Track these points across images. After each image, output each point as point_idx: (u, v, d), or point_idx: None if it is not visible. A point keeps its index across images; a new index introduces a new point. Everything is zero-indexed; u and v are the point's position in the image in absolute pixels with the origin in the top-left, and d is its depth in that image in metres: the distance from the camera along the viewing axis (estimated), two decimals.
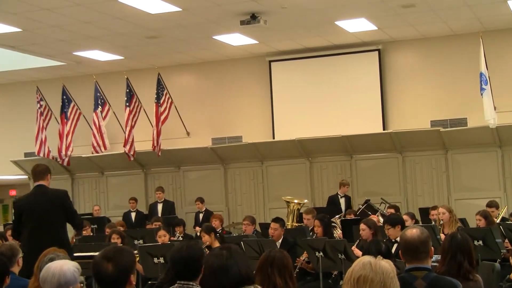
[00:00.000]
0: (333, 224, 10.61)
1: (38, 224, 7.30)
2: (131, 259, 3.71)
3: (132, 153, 14.99)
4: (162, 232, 9.50)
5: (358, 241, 8.41)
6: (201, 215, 14.21)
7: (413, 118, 14.67)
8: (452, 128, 14.09)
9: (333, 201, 13.73)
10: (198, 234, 10.93)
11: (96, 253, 7.80)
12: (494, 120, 12.61)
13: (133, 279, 3.69)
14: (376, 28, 13.73)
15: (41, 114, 15.73)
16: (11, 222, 7.65)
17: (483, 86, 12.65)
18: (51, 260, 4.64)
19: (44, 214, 7.30)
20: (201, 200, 14.35)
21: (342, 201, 13.68)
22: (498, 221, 9.94)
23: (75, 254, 7.26)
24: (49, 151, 15.61)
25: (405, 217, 10.38)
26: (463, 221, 10.36)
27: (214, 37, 13.90)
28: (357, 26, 13.53)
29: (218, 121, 16.20)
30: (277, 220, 9.17)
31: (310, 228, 9.93)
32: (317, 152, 14.86)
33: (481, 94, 12.68)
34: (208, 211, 14.18)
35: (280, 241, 8.94)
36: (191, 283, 4.31)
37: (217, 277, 3.60)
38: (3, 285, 4.89)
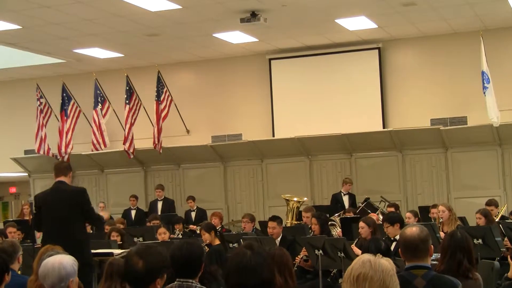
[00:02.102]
0: (332, 222, 10.62)
1: (55, 221, 7.29)
2: (162, 263, 3.71)
3: (132, 150, 15.00)
4: (162, 230, 9.51)
5: (357, 239, 8.43)
6: (193, 214, 14.19)
7: (413, 116, 14.67)
8: (452, 127, 14.09)
9: (336, 199, 13.75)
10: (197, 231, 10.93)
11: (96, 251, 7.89)
12: (498, 119, 12.61)
13: (160, 284, 3.69)
14: (376, 26, 13.73)
15: (41, 111, 15.75)
16: (17, 218, 7.75)
17: (486, 85, 12.64)
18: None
19: (60, 211, 7.27)
20: (193, 198, 14.34)
21: (346, 198, 13.70)
22: (497, 219, 9.96)
23: None
24: (49, 149, 15.62)
25: (408, 214, 10.42)
26: (462, 219, 10.37)
27: (214, 34, 13.90)
28: (357, 24, 13.52)
29: (218, 119, 16.19)
30: (274, 218, 9.17)
31: (309, 226, 9.93)
32: (317, 150, 14.86)
33: (484, 93, 12.67)
34: (200, 209, 14.19)
35: (279, 239, 8.95)
36: (190, 280, 4.31)
37: (240, 276, 3.61)
38: (4, 282, 4.89)
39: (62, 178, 7.48)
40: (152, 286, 3.67)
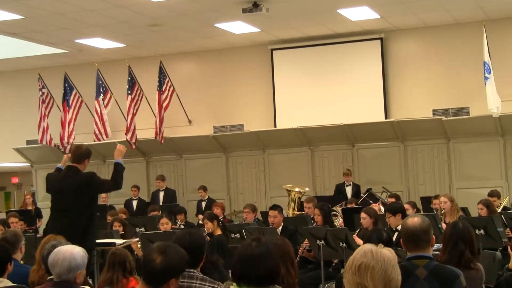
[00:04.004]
0: (334, 212, 10.63)
1: (61, 206, 7.26)
2: (181, 265, 3.72)
3: (134, 141, 15.02)
4: (164, 220, 9.52)
5: (358, 229, 8.43)
6: (203, 203, 14.25)
7: (415, 107, 14.65)
8: (454, 117, 14.07)
9: (339, 189, 13.82)
10: (201, 222, 10.95)
11: (98, 241, 7.89)
12: (498, 109, 12.61)
13: (174, 285, 3.67)
14: (378, 16, 13.69)
15: (43, 101, 15.76)
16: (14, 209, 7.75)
17: (487, 75, 12.62)
18: (54, 246, 4.66)
19: (68, 197, 7.22)
20: (204, 188, 14.40)
21: (348, 189, 13.77)
22: (499, 210, 9.96)
23: None
24: (51, 139, 15.64)
25: (406, 206, 10.38)
26: (464, 210, 10.37)
27: (216, 25, 13.87)
28: (359, 14, 13.49)
29: (220, 109, 16.19)
30: (275, 207, 9.18)
31: (311, 217, 9.94)
32: (318, 141, 14.86)
33: (485, 83, 12.65)
34: (211, 199, 14.23)
35: (280, 228, 8.95)
36: (192, 270, 4.33)
37: (244, 267, 3.60)
38: (6, 271, 4.91)
39: (75, 164, 7.43)
40: (165, 286, 3.65)
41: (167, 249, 3.69)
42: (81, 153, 7.46)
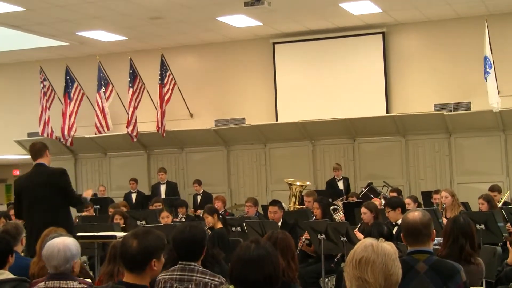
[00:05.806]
0: (335, 207, 10.62)
1: (35, 203, 7.13)
2: (157, 244, 3.71)
3: (135, 134, 15.03)
4: (165, 213, 9.51)
5: (359, 224, 8.43)
6: (199, 197, 14.23)
7: (416, 101, 14.64)
8: (456, 112, 14.07)
9: (331, 184, 13.84)
10: (201, 215, 10.96)
11: (99, 233, 7.87)
12: (498, 104, 12.62)
13: (157, 266, 3.68)
14: (380, 10, 13.67)
15: (45, 94, 15.77)
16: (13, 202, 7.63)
17: (487, 70, 12.62)
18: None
19: (40, 193, 7.10)
20: (198, 182, 14.37)
21: (340, 183, 13.83)
22: (500, 205, 9.96)
23: (78, 234, 7.20)
24: (52, 131, 15.65)
25: (407, 200, 10.39)
26: (465, 205, 10.37)
27: (218, 18, 13.85)
28: (361, 8, 13.46)
29: (221, 103, 16.18)
30: (274, 203, 9.17)
31: (312, 211, 9.94)
32: (320, 135, 14.86)
33: (485, 78, 12.66)
34: (206, 193, 14.22)
35: (279, 223, 8.95)
36: (193, 263, 4.33)
37: (243, 269, 3.57)
38: (8, 264, 4.92)
39: (40, 160, 7.28)
40: (149, 268, 3.66)
41: (141, 233, 3.71)
42: (39, 147, 7.34)
